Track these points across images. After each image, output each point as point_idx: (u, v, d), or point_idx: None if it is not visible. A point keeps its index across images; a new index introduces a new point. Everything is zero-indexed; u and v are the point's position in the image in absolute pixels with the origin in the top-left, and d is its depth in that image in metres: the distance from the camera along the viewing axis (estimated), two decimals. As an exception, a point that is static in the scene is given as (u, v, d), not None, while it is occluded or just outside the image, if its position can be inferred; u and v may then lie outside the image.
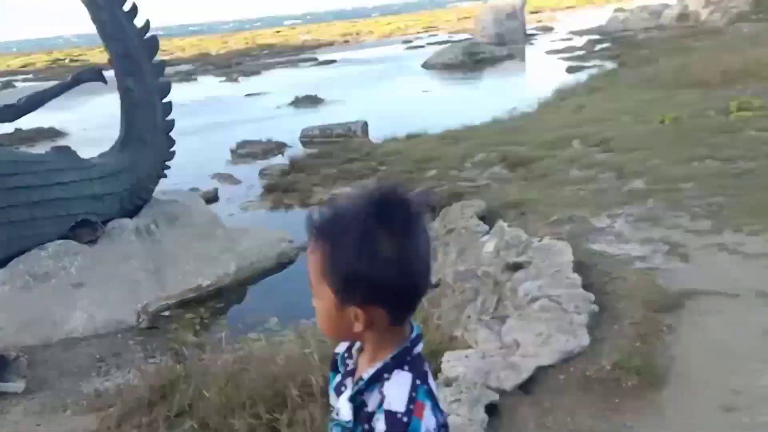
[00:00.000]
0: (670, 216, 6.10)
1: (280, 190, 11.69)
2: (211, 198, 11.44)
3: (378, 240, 1.12)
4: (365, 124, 16.37)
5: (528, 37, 40.69)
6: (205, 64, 42.75)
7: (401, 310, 1.19)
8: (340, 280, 1.15)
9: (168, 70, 10.12)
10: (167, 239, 7.40)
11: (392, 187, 1.18)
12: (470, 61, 29.16)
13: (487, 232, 6.23)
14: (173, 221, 7.63)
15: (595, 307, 4.28)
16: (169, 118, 8.20)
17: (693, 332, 4.07)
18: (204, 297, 7.38)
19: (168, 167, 8.41)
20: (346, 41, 58.09)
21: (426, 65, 30.37)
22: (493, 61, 29.64)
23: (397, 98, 22.19)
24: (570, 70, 23.38)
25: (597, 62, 24.35)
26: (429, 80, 26.58)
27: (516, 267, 5.06)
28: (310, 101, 22.67)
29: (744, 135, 8.14)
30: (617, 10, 39.56)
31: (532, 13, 67.63)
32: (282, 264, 8.38)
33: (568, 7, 74.88)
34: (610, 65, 22.41)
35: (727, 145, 7.85)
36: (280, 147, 15.78)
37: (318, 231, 1.18)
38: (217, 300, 7.46)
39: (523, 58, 31.47)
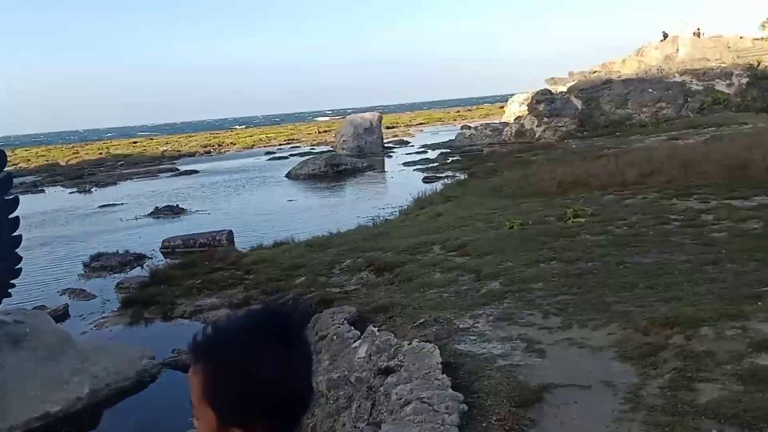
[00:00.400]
0: (525, 314, 6.57)
1: (139, 303, 11.09)
2: (61, 315, 10.60)
3: (260, 360, 1.10)
4: (230, 233, 16.20)
5: (386, 150, 43.11)
6: (53, 175, 40.49)
7: (286, 426, 1.16)
8: (222, 401, 1.11)
9: (15, 180, 9.52)
10: (10, 363, 6.69)
11: (274, 305, 1.18)
12: (333, 171, 30.23)
13: (359, 338, 6.32)
14: (18, 343, 6.95)
15: (464, 407, 4.45)
16: (16, 233, 7.67)
17: (553, 424, 4.34)
18: (52, 425, 6.66)
19: (13, 285, 7.75)
20: (208, 152, 57.97)
21: (290, 175, 31.00)
22: (355, 171, 30.95)
23: (263, 207, 22.29)
24: (426, 180, 24.93)
25: (449, 173, 26.24)
26: (294, 190, 27.07)
27: (388, 371, 5.15)
28: (172, 211, 22.10)
29: (580, 239, 9.11)
30: (464, 127, 43.39)
31: (388, 128, 72.11)
32: (143, 382, 7.83)
33: (420, 124, 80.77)
34: (461, 176, 24.22)
35: (568, 248, 8.72)
36: (139, 259, 15.09)
37: (199, 352, 1.13)
38: (68, 427, 6.75)
39: (382, 169, 33.16)
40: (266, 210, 21.45)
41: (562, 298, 6.88)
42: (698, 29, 53.82)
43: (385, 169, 33.45)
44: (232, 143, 64.48)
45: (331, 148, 42.90)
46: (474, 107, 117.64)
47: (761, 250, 7.08)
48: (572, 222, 10.24)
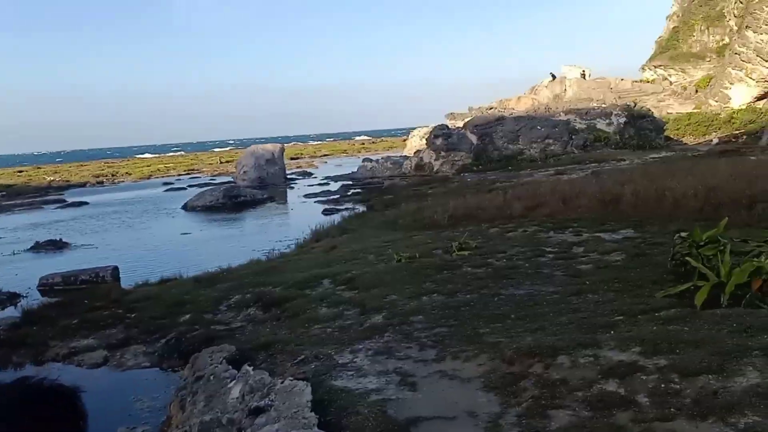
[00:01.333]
0: (403, 348, 6.70)
1: (8, 346, 10.30)
2: None
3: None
4: (116, 269, 15.47)
5: (288, 181, 42.91)
6: None
7: None
8: None
9: None
10: None
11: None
12: (231, 203, 29.69)
13: (234, 378, 6.20)
14: None
15: (331, 444, 4.46)
16: None
17: (418, 457, 4.43)
18: None
19: None
20: (101, 182, 55.33)
21: (186, 207, 30.13)
22: (254, 203, 30.54)
23: (154, 241, 21.47)
24: (326, 212, 25.00)
25: (349, 205, 26.47)
26: (189, 222, 26.29)
27: (258, 411, 5.08)
28: (54, 246, 20.83)
29: (462, 271, 9.44)
30: (365, 160, 44.02)
31: (292, 159, 71.92)
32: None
33: (325, 155, 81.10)
34: (360, 208, 24.50)
35: (449, 280, 9.01)
36: (12, 298, 14.08)
37: None
38: None
39: (282, 201, 32.95)
40: (157, 244, 20.68)
41: (439, 330, 7.07)
42: (584, 71, 57.86)
43: (286, 201, 33.26)
44: (127, 173, 61.94)
45: (232, 179, 42.15)
46: (379, 139, 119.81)
47: (620, 281, 7.63)
48: (456, 255, 10.59)
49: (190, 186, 43.27)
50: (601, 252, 9.43)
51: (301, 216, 24.82)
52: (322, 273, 11.26)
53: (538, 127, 35.93)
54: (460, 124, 41.79)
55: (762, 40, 41.08)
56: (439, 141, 36.91)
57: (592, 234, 11.06)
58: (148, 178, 57.01)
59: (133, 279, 14.49)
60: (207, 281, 12.43)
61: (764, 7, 40.73)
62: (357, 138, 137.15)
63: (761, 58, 41.49)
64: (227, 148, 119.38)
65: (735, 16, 55.35)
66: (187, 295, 11.49)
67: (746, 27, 42.80)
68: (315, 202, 29.62)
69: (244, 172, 39.97)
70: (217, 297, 11.02)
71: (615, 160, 29.28)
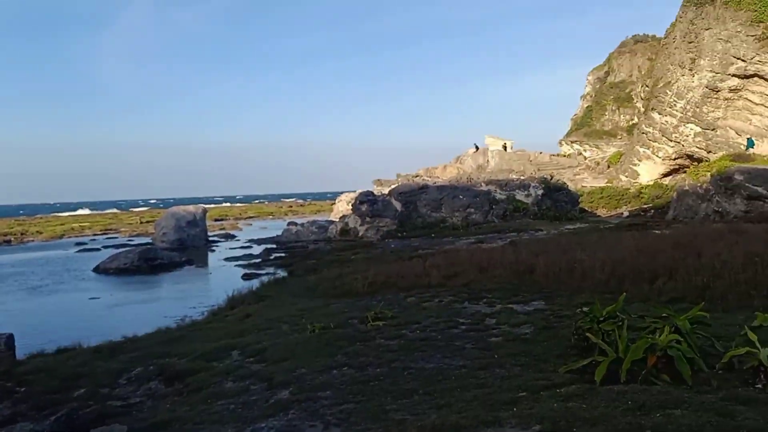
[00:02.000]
0: (307, 426, 6.43)
1: None
2: None
3: None
4: (10, 338, 14.28)
5: (210, 244, 41.88)
6: None
7: None
8: None
9: None
10: None
11: None
12: (147, 265, 28.56)
13: (120, 463, 5.73)
14: None
15: None
16: None
17: None
18: None
19: None
20: (8, 241, 52.25)
21: (98, 269, 28.73)
22: (171, 266, 29.50)
23: (58, 306, 20.22)
24: (246, 277, 24.41)
25: (271, 270, 25.98)
26: (99, 285, 25.01)
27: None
28: (-57, 310, 19.23)
29: (375, 343, 9.29)
30: (291, 223, 43.70)
31: (216, 220, 70.62)
32: None
33: (250, 217, 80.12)
34: (281, 273, 24.07)
35: (362, 353, 8.83)
36: None
37: None
38: None
39: (202, 265, 31.98)
40: (61, 309, 19.48)
41: (346, 406, 6.85)
42: (505, 143, 60.44)
43: (205, 265, 32.32)
44: (38, 231, 58.81)
45: (150, 240, 40.73)
46: (307, 202, 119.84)
47: (526, 355, 7.70)
48: (371, 325, 10.46)
49: (105, 247, 41.49)
50: (511, 324, 9.54)
51: (219, 280, 24.12)
52: (232, 343, 10.84)
53: (461, 197, 36.91)
54: (386, 190, 42.41)
55: (666, 122, 44.32)
56: (364, 207, 37.21)
57: (504, 305, 11.22)
58: (60, 238, 54.36)
59: (30, 348, 13.47)
60: (108, 352, 11.71)
61: (668, 91, 44.18)
62: (285, 200, 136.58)
63: (666, 137, 44.66)
64: (147, 208, 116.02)
65: (642, 99, 59.78)
66: (84, 366, 10.75)
67: (652, 109, 46.17)
68: (235, 265, 28.93)
69: (164, 233, 38.76)
70: (118, 369, 10.36)
71: (533, 230, 30.30)
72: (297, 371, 8.47)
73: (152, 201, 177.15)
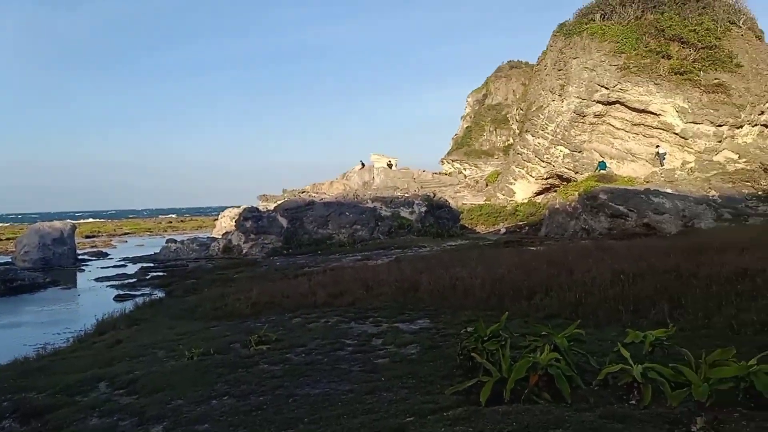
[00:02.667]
0: (182, 465, 5.96)
1: None
2: None
3: None
4: None
5: (79, 263, 38.98)
6: None
7: None
8: None
9: None
10: None
11: None
12: (4, 287, 25.97)
13: None
14: None
15: None
16: None
17: None
18: None
19: None
20: None
21: (-55, 293, 25.74)
22: (33, 288, 27.05)
23: None
24: (118, 298, 22.87)
25: (147, 290, 24.53)
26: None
27: None
28: None
29: (258, 369, 8.90)
30: (170, 240, 41.67)
31: (88, 237, 66.09)
32: None
33: (126, 234, 75.73)
34: (159, 294, 22.77)
35: (244, 380, 8.41)
36: None
37: None
38: None
39: (69, 286, 29.57)
40: None
41: (226, 440, 6.45)
42: (390, 161, 61.45)
43: (73, 286, 29.92)
44: None
45: (10, 260, 37.22)
46: (188, 218, 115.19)
47: (413, 377, 7.66)
48: (254, 350, 10.03)
49: (-46, 267, 37.34)
50: (398, 344, 9.50)
51: (88, 303, 22.41)
52: (100, 374, 9.98)
53: (347, 213, 36.96)
54: (272, 206, 41.63)
55: (539, 144, 47.04)
56: (249, 223, 36.25)
57: (391, 324, 11.19)
58: None
59: None
60: (-49, 388, 10.37)
61: (540, 115, 46.95)
62: (164, 216, 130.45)
63: (539, 158, 47.36)
64: (8, 224, 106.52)
65: (517, 121, 63.19)
66: None
67: (526, 131, 48.86)
68: (107, 286, 27.04)
69: (26, 252, 35.57)
70: (-38, 408, 9.17)
71: (417, 246, 30.87)
72: (172, 403, 7.90)
73: (11, 216, 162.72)
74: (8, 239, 60.08)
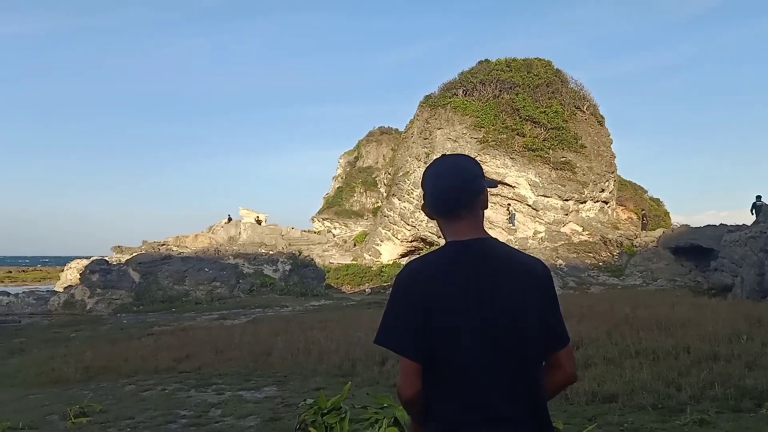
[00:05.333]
0: None
1: None
2: None
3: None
4: None
5: None
6: None
7: None
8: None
9: None
10: None
11: None
12: None
13: None
14: None
15: None
16: None
17: None
18: None
19: None
20: None
21: None
22: None
23: None
24: (-75, 360, 19.81)
25: (-37, 351, 21.52)
26: None
27: None
28: None
29: (72, 447, 7.85)
30: (1, 293, 37.44)
31: None
32: None
33: (-48, 283, 67.40)
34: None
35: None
36: None
37: None
38: None
39: None
40: None
41: None
42: (258, 216, 60.28)
43: None
44: None
45: None
46: (31, 268, 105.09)
47: (247, 453, 7.07)
48: (72, 423, 8.88)
49: None
50: (237, 416, 8.82)
51: None
52: None
53: (207, 269, 35.35)
54: (126, 258, 38.90)
55: (405, 207, 48.39)
56: (95, 277, 33.49)
57: (234, 392, 10.47)
58: None
59: None
60: None
61: (406, 180, 48.50)
62: (2, 266, 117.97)
63: (404, 221, 48.62)
64: None
65: (385, 185, 64.79)
66: None
67: (393, 195, 50.17)
68: None
69: None
70: None
71: (278, 306, 30.00)
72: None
73: None
74: None
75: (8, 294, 36.33)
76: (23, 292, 36.89)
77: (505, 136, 45.89)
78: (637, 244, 39.02)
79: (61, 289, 36.19)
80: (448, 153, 2.59)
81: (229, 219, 58.34)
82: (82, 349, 17.38)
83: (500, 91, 48.66)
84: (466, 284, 2.10)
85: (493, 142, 45.47)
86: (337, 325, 18.21)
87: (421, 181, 2.40)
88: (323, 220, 71.45)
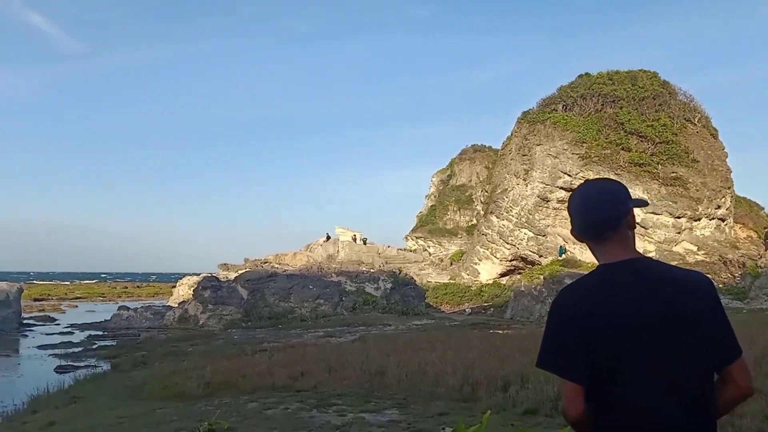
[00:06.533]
0: None
1: None
2: None
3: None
4: None
5: (23, 328, 36.75)
6: None
7: None
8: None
9: None
10: None
11: None
12: (-65, 353, 24.02)
13: None
14: None
15: None
16: None
17: None
18: None
19: None
20: None
21: None
22: (-33, 355, 25.10)
23: None
24: (59, 369, 21.29)
25: (91, 362, 22.96)
26: None
27: None
28: None
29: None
30: (122, 307, 39.87)
31: (36, 300, 63.14)
32: None
33: (78, 298, 72.68)
34: (104, 367, 21.30)
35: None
36: None
37: None
38: None
39: (8, 353, 27.56)
40: None
41: None
42: (355, 235, 61.10)
43: (14, 353, 27.93)
44: None
45: (-54, 322, 34.85)
46: (145, 284, 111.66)
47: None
48: (205, 440, 9.06)
49: None
50: (365, 440, 8.69)
51: (25, 375, 20.75)
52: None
53: (311, 287, 36.03)
54: (233, 276, 40.40)
55: (503, 225, 47.39)
56: (207, 293, 34.94)
57: (356, 414, 10.35)
58: None
59: None
60: None
61: (505, 197, 47.55)
62: (120, 281, 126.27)
63: (503, 240, 47.59)
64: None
65: (482, 202, 63.91)
66: None
67: (491, 213, 49.29)
68: (50, 355, 25.27)
69: (-36, 314, 33.39)
70: None
71: (382, 324, 30.02)
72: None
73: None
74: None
75: (128, 308, 38.64)
76: (141, 307, 39.10)
77: (609, 151, 44.10)
78: (762, 265, 36.06)
79: (176, 304, 38.04)
80: (592, 178, 2.85)
81: (328, 237, 59.51)
82: (200, 363, 17.96)
83: (603, 104, 46.93)
84: (629, 304, 2.12)
85: (596, 158, 43.77)
86: (446, 346, 17.85)
87: (567, 206, 2.45)
88: (417, 238, 71.38)
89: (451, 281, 50.96)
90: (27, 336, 34.06)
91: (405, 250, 64.21)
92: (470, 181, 75.90)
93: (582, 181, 2.61)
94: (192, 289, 39.07)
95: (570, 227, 2.45)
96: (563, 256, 42.43)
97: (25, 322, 39.54)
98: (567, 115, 47.03)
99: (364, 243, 57.78)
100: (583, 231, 2.39)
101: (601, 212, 2.33)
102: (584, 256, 43.05)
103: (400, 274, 41.69)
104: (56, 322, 41.91)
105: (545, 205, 45.40)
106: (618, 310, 2.14)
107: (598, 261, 2.33)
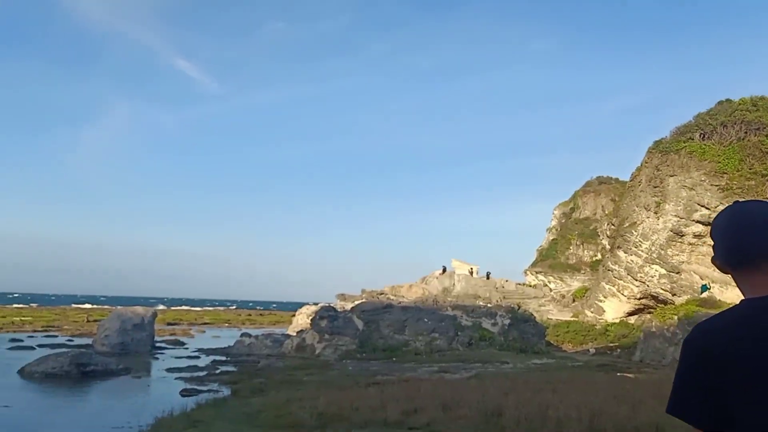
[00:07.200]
0: None
1: None
2: None
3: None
4: None
5: (155, 350, 39.11)
6: None
7: None
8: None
9: None
10: None
11: None
12: (77, 371, 25.93)
13: None
14: None
15: None
16: None
17: None
18: None
19: None
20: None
21: (23, 373, 25.98)
22: (105, 374, 26.88)
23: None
24: (184, 392, 22.15)
25: (214, 386, 23.74)
26: (17, 393, 22.32)
27: None
28: None
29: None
30: (244, 334, 41.37)
31: (169, 324, 67.36)
32: None
33: (205, 323, 76.76)
34: (224, 392, 21.90)
35: None
36: None
37: None
38: None
39: (140, 374, 29.25)
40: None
41: None
42: (471, 268, 59.95)
43: (144, 374, 29.60)
44: (-27, 323, 54.85)
45: (91, 342, 37.85)
46: (266, 312, 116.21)
47: None
48: (313, 475, 8.74)
49: (40, 346, 38.31)
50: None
51: (153, 396, 21.78)
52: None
53: (425, 320, 35.48)
54: (350, 306, 40.79)
55: (632, 261, 44.42)
56: (324, 323, 35.42)
57: (472, 458, 9.64)
58: (-5, 332, 50.61)
59: None
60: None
61: (633, 231, 44.66)
62: (244, 309, 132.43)
63: (631, 276, 44.57)
64: (94, 305, 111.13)
65: (608, 236, 60.59)
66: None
67: (618, 247, 46.43)
68: (176, 378, 26.49)
69: (106, 336, 36.08)
70: None
71: (499, 361, 28.79)
72: None
73: (102, 297, 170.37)
74: (95, 321, 62.06)
75: (250, 335, 40.02)
76: (262, 335, 40.37)
77: (753, 182, 40.30)
78: None
79: (294, 333, 38.91)
80: (741, 200, 2.07)
81: (444, 270, 58.83)
82: (314, 393, 17.93)
83: (746, 132, 43.09)
84: None
85: (739, 189, 40.07)
86: (569, 388, 16.60)
87: (710, 231, 2.11)
88: (537, 273, 68.73)
89: (574, 319, 48.32)
90: (158, 358, 36.10)
91: (524, 285, 62.05)
92: (595, 214, 72.39)
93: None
94: (310, 318, 39.82)
95: (711, 258, 2.09)
96: (705, 294, 38.90)
97: (157, 345, 42.08)
98: (705, 144, 43.65)
99: (487, 277, 56.50)
100: (728, 257, 2.03)
101: (753, 235, 1.97)
102: (725, 296, 39.22)
103: (518, 309, 40.10)
104: (185, 346, 44.24)
105: (679, 240, 42.11)
106: (754, 352, 1.88)
107: (743, 294, 1.96)
